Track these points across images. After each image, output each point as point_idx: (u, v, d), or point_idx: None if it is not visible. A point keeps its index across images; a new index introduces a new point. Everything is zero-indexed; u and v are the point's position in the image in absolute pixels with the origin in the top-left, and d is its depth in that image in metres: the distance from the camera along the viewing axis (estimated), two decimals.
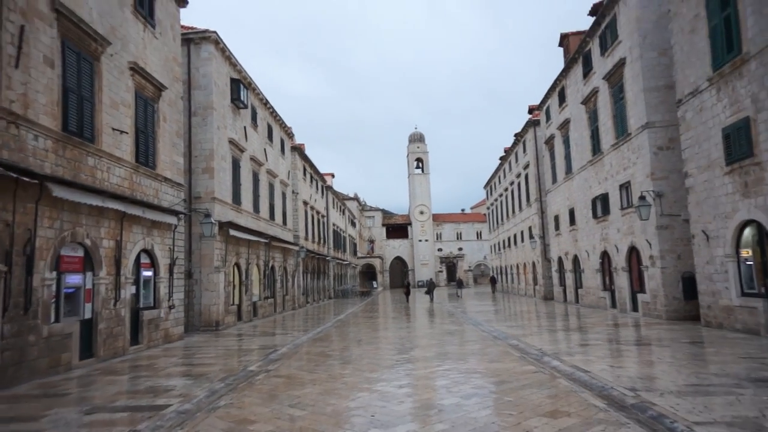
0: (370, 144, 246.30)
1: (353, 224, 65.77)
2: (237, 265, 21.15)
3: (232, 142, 20.57)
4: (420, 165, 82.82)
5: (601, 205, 21.35)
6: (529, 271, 36.20)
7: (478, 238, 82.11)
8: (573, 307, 24.31)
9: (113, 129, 12.42)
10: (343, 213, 56.79)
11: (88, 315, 11.26)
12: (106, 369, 10.36)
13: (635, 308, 18.64)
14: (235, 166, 21.12)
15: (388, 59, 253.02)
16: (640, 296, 18.10)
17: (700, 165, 13.79)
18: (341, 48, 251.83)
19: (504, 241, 45.74)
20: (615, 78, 18.82)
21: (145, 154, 13.85)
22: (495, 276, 57.80)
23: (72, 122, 10.88)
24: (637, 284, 18.61)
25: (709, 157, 13.25)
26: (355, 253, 66.18)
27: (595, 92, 20.75)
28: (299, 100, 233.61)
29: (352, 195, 70.58)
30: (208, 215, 17.07)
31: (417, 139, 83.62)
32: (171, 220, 14.81)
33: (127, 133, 12.90)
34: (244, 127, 22.50)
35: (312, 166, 38.65)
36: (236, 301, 21.06)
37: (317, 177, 41.64)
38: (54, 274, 10.10)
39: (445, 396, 7.12)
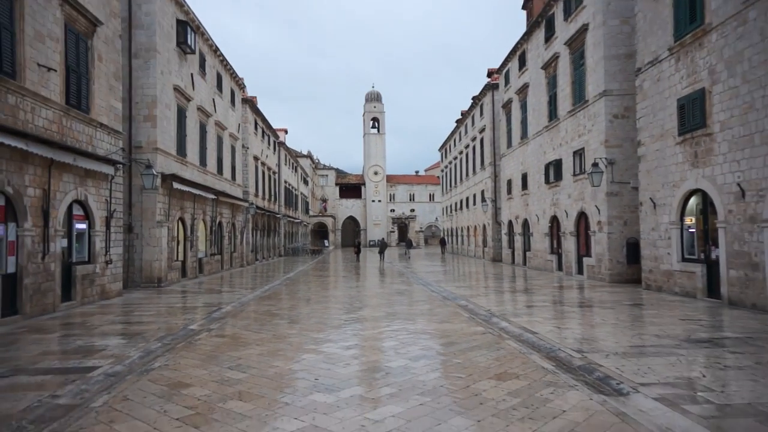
0: (327, 102, 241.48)
1: (306, 182, 64.70)
2: (181, 219, 20.22)
3: (177, 89, 19.29)
4: (376, 125, 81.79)
5: (554, 171, 21.55)
6: (480, 233, 36.72)
7: (430, 200, 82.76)
8: (520, 269, 24.83)
9: (39, 65, 11.21)
10: (296, 170, 55.62)
11: (11, 269, 10.37)
12: (32, 327, 9.62)
13: (581, 271, 19.14)
14: (181, 115, 19.90)
15: (349, 15, 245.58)
16: (585, 260, 18.57)
17: (653, 134, 13.93)
18: (298, 1, 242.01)
19: (456, 203, 46.12)
20: (576, 44, 18.67)
21: (77, 96, 12.67)
22: (444, 238, 58.75)
23: None
24: (584, 248, 19.06)
25: (663, 126, 13.38)
26: (307, 211, 65.38)
27: (555, 57, 20.59)
28: (253, 51, 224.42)
29: (305, 152, 69.10)
30: (150, 166, 16.04)
31: (374, 98, 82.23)
32: (107, 169, 13.79)
33: (55, 70, 11.70)
34: (191, 75, 21.14)
35: (264, 120, 37.27)
36: (180, 257, 20.24)
37: (269, 132, 40.27)
38: None
39: (393, 358, 6.92)
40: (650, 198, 14.12)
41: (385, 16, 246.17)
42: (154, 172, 15.89)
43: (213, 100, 24.26)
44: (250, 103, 33.07)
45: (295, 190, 54.41)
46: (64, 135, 12.06)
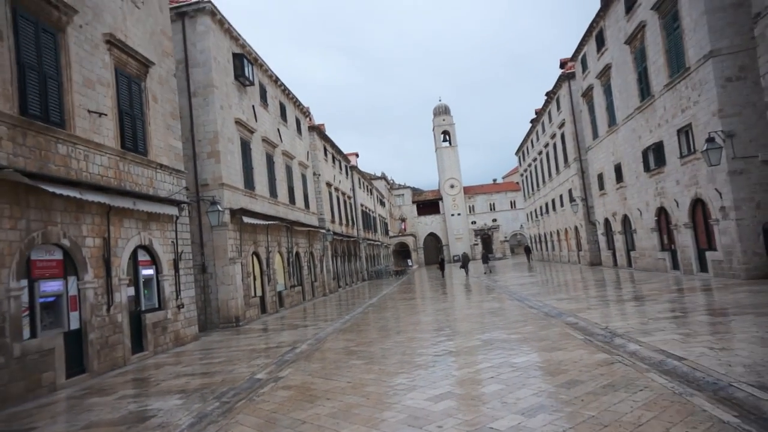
0: (397, 126, 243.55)
1: (383, 204, 64.00)
2: (256, 254, 19.64)
3: (239, 122, 18.89)
4: (447, 138, 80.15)
5: (654, 156, 18.85)
6: (572, 236, 33.77)
7: (512, 207, 79.32)
8: (625, 271, 21.99)
9: (89, 111, 10.82)
10: (371, 193, 55.03)
11: (74, 325, 9.79)
12: (96, 387, 8.89)
13: (703, 268, 16.29)
14: (245, 148, 19.47)
15: (407, 39, 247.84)
16: (709, 254, 15.74)
17: None
18: (360, 32, 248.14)
19: (541, 207, 43.20)
20: (667, 5, 16.19)
21: (133, 139, 12.25)
22: (529, 245, 55.44)
23: (33, 104, 9.29)
24: (704, 241, 16.22)
25: None
26: (386, 232, 64.57)
27: (641, 27, 18.10)
28: (323, 89, 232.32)
29: (379, 174, 68.67)
30: (214, 203, 15.47)
31: (442, 111, 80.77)
32: (171, 210, 13.27)
33: (106, 115, 11.28)
34: (253, 106, 20.78)
35: (333, 146, 36.87)
36: (258, 293, 19.61)
37: (340, 157, 39.86)
38: (23, 282, 8.62)
39: (500, 412, 5.24)
40: None
41: (448, 32, 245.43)
42: (220, 208, 15.29)
43: (278, 130, 23.87)
44: (318, 130, 32.71)
45: (372, 212, 53.74)
46: (121, 180, 11.58)
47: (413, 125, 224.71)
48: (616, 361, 6.74)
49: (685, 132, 16.43)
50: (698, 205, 16.27)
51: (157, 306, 12.84)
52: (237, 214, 17.58)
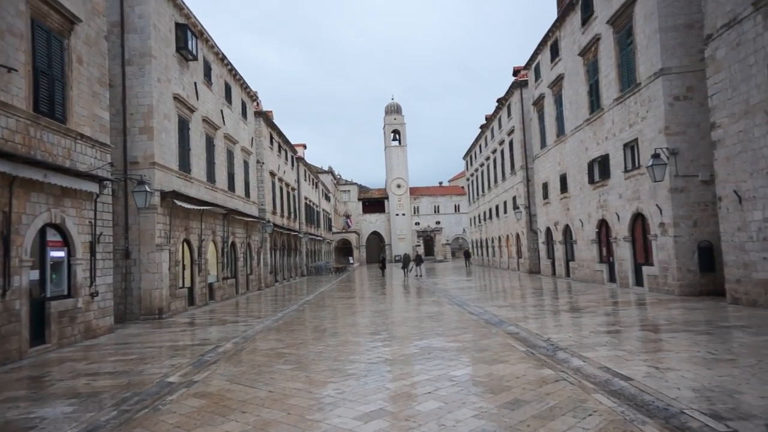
0: (348, 121, 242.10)
1: (327, 198, 62.95)
2: (187, 241, 18.35)
3: (178, 98, 17.54)
4: (397, 137, 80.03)
5: (599, 169, 19.08)
6: (513, 243, 34.17)
7: (456, 211, 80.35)
8: (564, 281, 22.26)
9: None
10: (317, 186, 53.91)
11: None
12: None
13: (639, 282, 16.56)
14: (183, 127, 18.13)
15: (368, 36, 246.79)
16: (645, 269, 15.99)
17: (733, 112, 11.46)
18: (320, 24, 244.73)
19: (485, 212, 43.63)
20: (622, 20, 16.31)
21: (49, 103, 10.87)
22: (468, 250, 56.15)
23: None
24: (642, 256, 16.49)
25: (748, 101, 10.91)
26: (330, 228, 63.57)
27: (596, 40, 18.23)
28: (276, 77, 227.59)
29: (326, 168, 67.55)
30: (142, 182, 14.17)
31: (394, 110, 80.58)
32: (90, 187, 11.94)
33: (16, 71, 9.90)
34: (195, 84, 19.42)
35: (280, 134, 35.60)
36: (187, 283, 18.34)
37: (286, 147, 38.58)
38: None
39: None
40: (734, 191, 11.60)
41: (408, 35, 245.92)
42: (148, 189, 14.01)
43: (221, 111, 22.55)
44: (265, 116, 31.39)
45: (317, 206, 52.65)
46: (31, 147, 10.23)
47: (364, 123, 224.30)
48: (561, 379, 6.33)
49: (631, 147, 16.64)
50: (638, 220, 16.53)
51: (66, 293, 11.51)
52: (168, 196, 16.28)
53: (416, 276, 33.91)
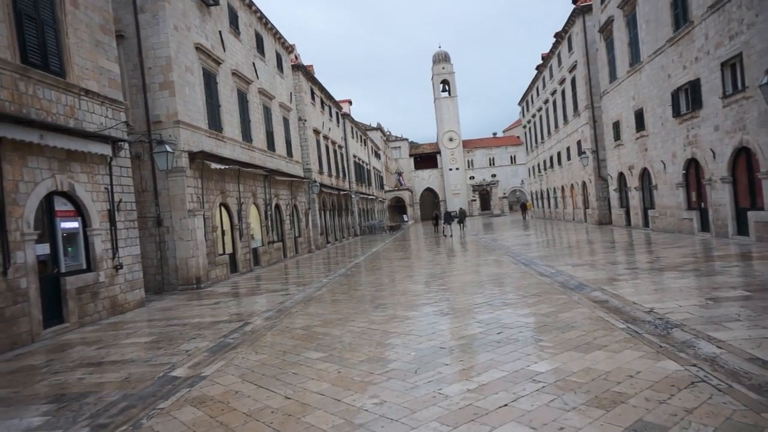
0: (396, 78, 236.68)
1: (377, 156, 61.09)
2: (224, 205, 17.14)
3: (201, 48, 15.96)
4: (447, 88, 76.39)
5: (687, 98, 16.14)
6: (578, 192, 31.29)
7: (512, 162, 76.67)
8: (642, 233, 19.67)
9: None
10: (365, 144, 52.07)
11: None
12: None
13: (741, 231, 13.92)
14: (209, 81, 16.62)
15: None
16: (752, 214, 13.32)
17: None
18: None
19: (545, 161, 40.54)
20: None
21: (40, 53, 9.47)
22: (525, 202, 53.21)
23: None
24: (746, 199, 13.77)
25: None
26: (382, 186, 61.96)
27: None
28: (322, 39, 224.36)
29: (374, 125, 65.35)
30: (162, 142, 12.82)
31: (442, 59, 76.62)
32: (100, 149, 10.66)
33: None
34: (220, 33, 17.75)
35: (322, 89, 33.74)
36: (228, 250, 17.24)
37: (330, 103, 36.73)
38: None
39: None
40: None
41: None
42: (168, 149, 12.63)
43: (253, 64, 20.88)
44: (304, 69, 29.51)
45: (366, 164, 50.96)
46: (22, 105, 8.90)
47: (412, 78, 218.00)
48: (698, 379, 4.36)
49: (731, 65, 13.68)
50: (741, 156, 13.73)
51: (84, 267, 10.42)
52: (198, 157, 14.96)
53: (445, 235, 30.24)
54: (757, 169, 12.92)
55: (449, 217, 31.74)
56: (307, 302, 10.54)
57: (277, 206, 22.57)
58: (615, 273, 10.64)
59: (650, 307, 7.04)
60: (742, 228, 13.96)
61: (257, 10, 21.50)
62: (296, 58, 30.18)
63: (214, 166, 15.53)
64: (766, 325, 5.71)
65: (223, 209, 17.16)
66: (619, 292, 8.30)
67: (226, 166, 16.32)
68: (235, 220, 17.74)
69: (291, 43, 26.94)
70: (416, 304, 9.23)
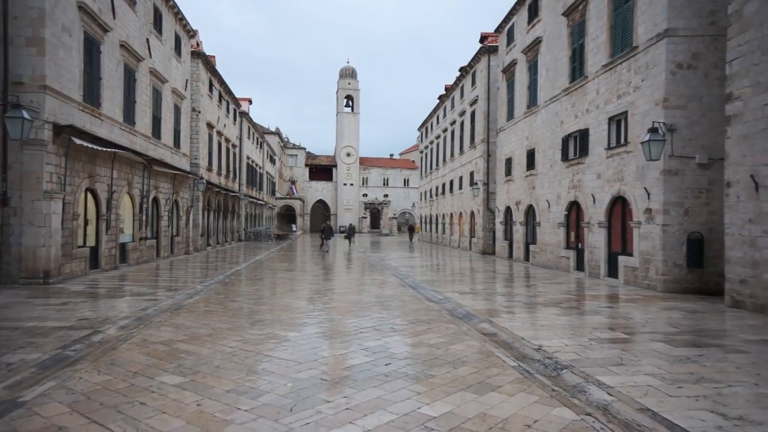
0: (299, 87, 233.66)
1: (273, 161, 59.25)
2: (91, 191, 15.12)
3: (84, 8, 14.03)
4: (350, 103, 76.59)
5: (575, 145, 17.20)
6: (466, 221, 32.39)
7: (405, 185, 78.55)
8: (522, 266, 20.57)
9: None
10: (261, 147, 50.23)
11: None
12: None
13: (612, 274, 14.92)
14: (91, 48, 14.67)
15: (328, 2, 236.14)
16: (622, 259, 14.31)
17: (759, 81, 9.60)
18: None
19: (437, 187, 41.70)
20: None
21: None
22: (413, 225, 54.72)
23: None
24: (618, 244, 14.80)
25: None
26: (273, 192, 60.05)
27: None
28: (230, 36, 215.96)
29: (273, 129, 63.42)
30: (18, 106, 10.89)
31: (349, 74, 76.88)
32: None
33: None
34: None
35: (222, 82, 31.91)
36: (90, 242, 15.17)
37: (229, 98, 34.86)
38: None
39: None
40: (750, 175, 9.82)
41: (360, 7, 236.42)
42: (26, 115, 10.76)
43: (147, 40, 18.97)
44: (204, 58, 27.65)
45: (260, 168, 49.09)
46: None
47: (316, 89, 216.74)
48: (594, 430, 4.13)
49: (617, 121, 14.76)
50: (618, 204, 14.78)
51: None
52: (64, 132, 12.99)
53: (324, 250, 29.24)
54: (630, 217, 13.93)
55: (329, 232, 30.41)
56: (175, 311, 9.31)
57: (156, 199, 20.56)
58: (501, 304, 10.71)
59: (539, 344, 6.96)
60: (612, 270, 14.96)
61: None
62: (198, 44, 28.20)
63: (87, 145, 13.60)
64: (648, 371, 5.77)
65: (89, 195, 15.13)
66: (507, 326, 8.21)
67: (99, 147, 14.40)
68: (103, 210, 15.71)
69: (194, 28, 25.10)
70: (298, 323, 8.45)
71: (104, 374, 5.38)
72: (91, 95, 14.80)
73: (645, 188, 13.09)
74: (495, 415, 4.38)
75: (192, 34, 25.18)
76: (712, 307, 10.48)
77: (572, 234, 17.65)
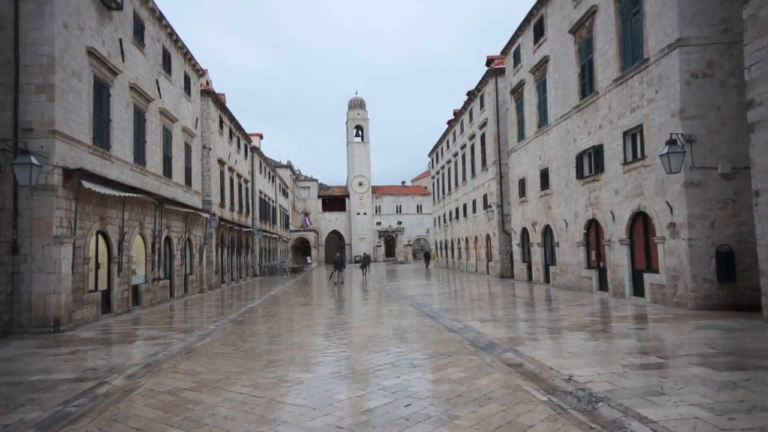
0: (310, 121, 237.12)
1: (285, 194, 59.48)
2: (102, 234, 15.02)
3: (93, 53, 14.17)
4: (360, 133, 77.07)
5: (590, 162, 16.82)
6: (482, 245, 31.87)
7: (418, 211, 78.14)
8: (542, 288, 19.97)
9: None
10: (273, 181, 50.45)
11: None
12: None
13: (638, 292, 14.32)
14: (101, 91, 14.78)
15: (335, 39, 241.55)
16: (647, 277, 13.74)
17: None
18: (287, 24, 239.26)
19: (451, 212, 41.32)
20: None
21: None
22: (428, 251, 54.21)
23: None
24: (642, 261, 14.26)
25: None
26: (287, 226, 60.08)
27: (591, 13, 15.93)
28: (241, 74, 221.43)
29: (284, 162, 63.89)
30: (26, 152, 10.86)
31: (357, 105, 77.61)
32: None
33: None
34: (120, 41, 16.04)
35: (232, 119, 32.21)
36: (102, 286, 15.00)
37: (239, 134, 35.16)
38: None
39: None
40: None
41: (370, 37, 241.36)
42: (33, 161, 10.70)
43: (156, 81, 19.17)
44: (214, 96, 27.97)
45: (273, 201, 49.18)
46: None
47: (326, 122, 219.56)
48: None
49: (632, 135, 14.39)
50: (639, 220, 14.29)
51: None
52: (74, 176, 12.96)
53: (335, 282, 27.75)
54: (653, 233, 13.42)
55: (340, 263, 28.60)
56: (186, 355, 8.98)
57: (168, 239, 20.46)
58: (524, 331, 10.22)
59: (569, 374, 6.49)
60: (638, 289, 14.37)
61: (168, 26, 19.98)
62: (207, 83, 28.61)
63: (97, 189, 13.55)
64: (692, 400, 5.28)
65: (100, 238, 15.02)
66: (533, 355, 7.74)
67: (110, 191, 14.35)
68: (115, 252, 15.58)
69: (203, 67, 25.46)
70: (312, 362, 8.07)
71: None
72: (101, 137, 14.85)
73: (667, 202, 12.62)
74: None
75: (201, 73, 25.52)
76: (749, 323, 9.89)
77: (593, 253, 17.10)
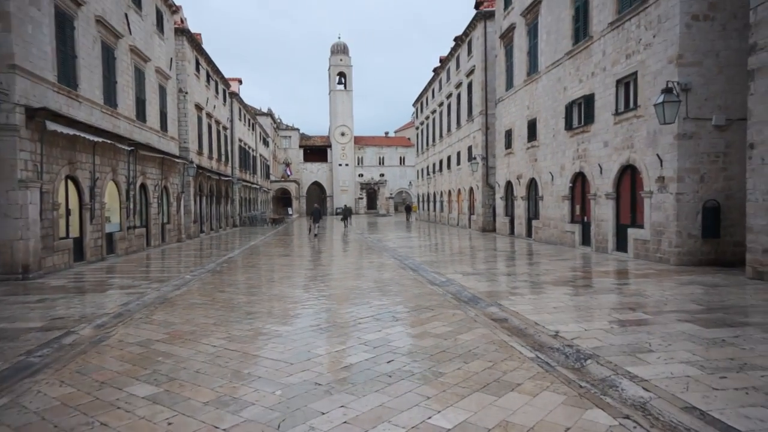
0: (291, 66, 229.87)
1: (266, 143, 58.15)
2: (72, 179, 14.33)
3: None
4: (342, 80, 75.00)
5: (580, 112, 16.40)
6: (465, 198, 31.65)
7: (401, 164, 77.37)
8: (525, 242, 19.92)
9: None
10: (254, 129, 49.11)
11: None
12: None
13: (621, 247, 14.27)
14: (63, 23, 13.72)
15: None
16: (632, 232, 13.65)
17: None
18: None
19: (434, 164, 40.84)
20: None
21: None
22: (410, 204, 54.08)
23: None
24: (627, 216, 14.13)
25: None
26: (268, 176, 59.09)
27: None
28: (219, 15, 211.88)
29: (265, 110, 62.11)
30: None
31: (340, 50, 75.15)
32: None
33: None
34: None
35: (210, 61, 30.78)
36: (73, 233, 14.44)
37: (217, 78, 33.75)
38: None
39: None
40: None
41: None
42: None
43: (126, 16, 17.94)
44: (189, 35, 26.50)
45: (253, 150, 48.04)
46: None
47: (309, 69, 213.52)
48: None
49: (626, 84, 13.94)
50: (627, 173, 14.06)
51: None
52: (38, 116, 12.15)
53: (315, 234, 26.29)
54: (641, 187, 13.22)
55: (318, 215, 27.34)
56: (159, 305, 8.63)
57: (143, 186, 19.76)
58: (508, 285, 10.06)
59: (555, 330, 6.30)
60: (621, 244, 14.32)
61: None
62: (182, 21, 27.05)
63: (63, 130, 12.76)
64: (682, 358, 5.12)
65: (70, 183, 14.35)
66: (517, 309, 7.55)
67: (79, 133, 13.56)
68: (86, 198, 14.94)
69: (177, 3, 23.96)
70: (291, 315, 7.78)
71: (67, 386, 4.69)
72: (67, 75, 13.89)
73: (657, 155, 12.35)
74: (519, 424, 3.72)
75: (175, 9, 24.06)
76: (733, 279, 9.85)
77: (577, 207, 16.95)
